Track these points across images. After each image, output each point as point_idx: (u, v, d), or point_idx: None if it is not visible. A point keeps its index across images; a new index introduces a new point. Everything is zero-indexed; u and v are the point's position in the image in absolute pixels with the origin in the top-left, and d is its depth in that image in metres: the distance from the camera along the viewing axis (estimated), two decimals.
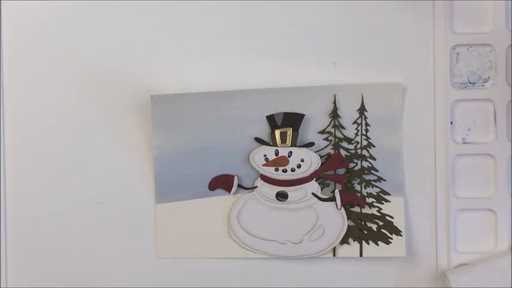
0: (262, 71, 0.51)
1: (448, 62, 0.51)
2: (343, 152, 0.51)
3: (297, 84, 0.51)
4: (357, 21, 0.51)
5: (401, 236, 0.50)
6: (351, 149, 0.51)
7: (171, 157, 0.51)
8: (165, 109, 0.50)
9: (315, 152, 0.50)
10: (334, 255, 0.51)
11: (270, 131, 0.50)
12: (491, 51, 0.51)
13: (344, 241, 0.51)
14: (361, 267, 0.52)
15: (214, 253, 0.51)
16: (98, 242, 0.52)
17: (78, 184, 0.52)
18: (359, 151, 0.51)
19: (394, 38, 0.51)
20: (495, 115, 0.51)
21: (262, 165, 0.50)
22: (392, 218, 0.50)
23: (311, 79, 0.51)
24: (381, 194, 0.51)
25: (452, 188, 0.51)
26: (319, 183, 0.51)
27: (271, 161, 0.50)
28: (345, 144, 0.51)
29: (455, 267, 0.51)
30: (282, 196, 0.51)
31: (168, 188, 0.51)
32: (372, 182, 0.51)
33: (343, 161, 0.50)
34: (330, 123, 0.51)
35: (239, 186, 0.51)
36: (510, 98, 0.51)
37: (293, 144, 0.50)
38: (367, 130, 0.51)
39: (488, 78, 0.51)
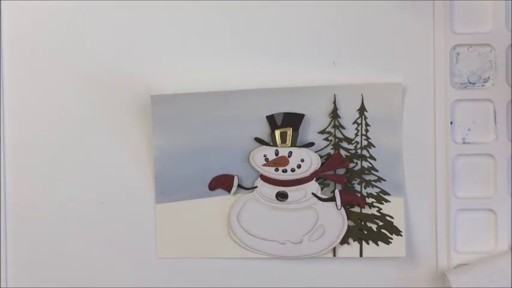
0: (262, 71, 0.51)
1: (448, 62, 0.51)
2: (343, 152, 0.51)
3: (297, 84, 0.51)
4: (357, 21, 0.51)
5: (401, 236, 0.50)
6: (351, 149, 0.51)
7: (171, 157, 0.51)
8: (165, 109, 0.50)
9: (315, 152, 0.50)
10: (334, 255, 0.51)
11: (270, 131, 0.50)
12: (491, 51, 0.51)
13: (344, 241, 0.51)
14: (361, 267, 0.52)
15: (214, 253, 0.51)
16: (98, 242, 0.52)
17: (78, 184, 0.52)
18: (359, 151, 0.51)
19: (394, 38, 0.51)
20: (495, 115, 0.51)
21: (262, 165, 0.50)
22: (392, 218, 0.50)
23: (311, 79, 0.51)
24: (381, 194, 0.51)
25: (452, 188, 0.51)
26: (319, 183, 0.51)
27: (271, 161, 0.50)
28: (345, 144, 0.51)
29: (455, 267, 0.51)
30: (282, 196, 0.51)
31: (168, 188, 0.51)
32: (372, 182, 0.51)
33: (343, 161, 0.50)
34: (330, 123, 0.51)
35: (239, 186, 0.51)
36: (510, 98, 0.51)
37: (293, 144, 0.50)
38: (367, 130, 0.51)
39: (488, 78, 0.51)
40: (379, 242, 0.51)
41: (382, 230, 0.51)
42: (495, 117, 0.51)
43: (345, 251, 0.51)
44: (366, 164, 0.51)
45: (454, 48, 0.51)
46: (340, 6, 0.51)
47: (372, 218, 0.51)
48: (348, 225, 0.51)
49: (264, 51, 0.51)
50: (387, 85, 0.50)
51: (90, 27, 0.52)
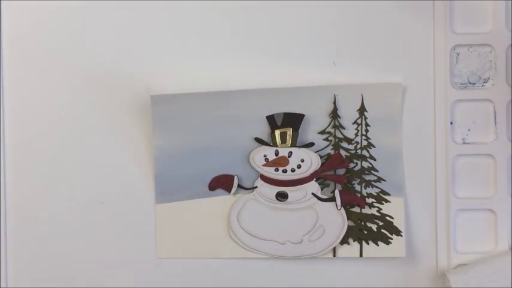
0: (262, 71, 0.51)
1: (448, 62, 0.51)
2: (343, 152, 0.51)
3: (297, 84, 0.51)
4: (357, 21, 0.51)
5: (401, 236, 0.50)
6: (351, 149, 0.51)
7: (171, 157, 0.51)
8: (165, 109, 0.50)
9: (315, 152, 0.50)
10: (334, 256, 0.51)
11: (270, 131, 0.50)
12: (491, 51, 0.51)
13: (344, 241, 0.51)
14: (361, 267, 0.52)
15: (214, 253, 0.51)
16: (98, 242, 0.52)
17: (78, 184, 0.52)
18: (359, 151, 0.51)
19: (394, 38, 0.51)
20: (495, 115, 0.51)
21: (262, 165, 0.50)
22: (392, 218, 0.50)
23: (311, 79, 0.51)
24: (380, 194, 0.51)
25: (452, 188, 0.51)
26: (319, 184, 0.51)
27: (271, 161, 0.50)
28: (345, 144, 0.51)
29: (455, 267, 0.51)
30: (282, 196, 0.51)
31: (168, 188, 0.51)
32: (372, 182, 0.51)
33: (343, 161, 0.50)
34: (330, 124, 0.51)
35: (239, 186, 0.51)
36: (510, 98, 0.51)
37: (293, 145, 0.50)
38: (367, 130, 0.51)
39: (488, 78, 0.51)
40: (379, 242, 0.51)
41: (382, 230, 0.51)
42: (495, 117, 0.51)
43: (345, 251, 0.51)
44: (366, 164, 0.51)
45: (454, 48, 0.51)
46: (340, 6, 0.51)
47: (372, 218, 0.51)
48: (348, 225, 0.51)
49: (264, 51, 0.51)
50: (387, 85, 0.50)
51: (90, 27, 0.52)
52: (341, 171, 0.51)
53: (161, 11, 0.52)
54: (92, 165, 0.52)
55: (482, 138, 0.51)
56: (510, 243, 0.51)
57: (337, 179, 0.50)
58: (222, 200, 0.51)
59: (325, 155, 0.51)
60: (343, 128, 0.51)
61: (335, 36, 0.51)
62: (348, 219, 0.50)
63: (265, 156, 0.50)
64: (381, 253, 0.51)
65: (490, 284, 0.49)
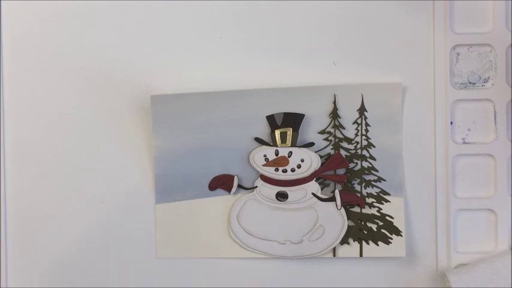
0: (262, 71, 0.51)
1: (448, 62, 0.51)
2: (343, 152, 0.51)
3: (297, 84, 0.51)
4: (357, 21, 0.51)
5: (401, 236, 0.50)
6: (351, 149, 0.51)
7: (171, 157, 0.51)
8: (165, 109, 0.50)
9: (315, 152, 0.50)
10: (334, 255, 0.51)
11: (270, 131, 0.50)
12: (491, 51, 0.51)
13: (344, 241, 0.51)
14: (361, 267, 0.52)
15: (214, 253, 0.51)
16: (98, 242, 0.52)
17: (78, 184, 0.52)
18: (359, 151, 0.51)
19: (394, 38, 0.51)
20: (495, 115, 0.51)
21: (262, 165, 0.50)
22: (392, 218, 0.50)
23: (311, 79, 0.51)
24: (380, 194, 0.51)
25: (452, 188, 0.51)
26: (319, 183, 0.51)
27: (271, 161, 0.50)
28: (345, 144, 0.51)
29: (455, 267, 0.51)
30: (282, 196, 0.51)
31: (168, 188, 0.51)
32: (372, 182, 0.51)
33: (343, 161, 0.50)
34: (330, 123, 0.51)
35: (239, 186, 0.51)
36: (510, 98, 0.51)
37: (293, 144, 0.50)
38: (367, 130, 0.51)
39: (488, 78, 0.51)
40: (379, 242, 0.51)
41: (382, 230, 0.51)
42: (495, 117, 0.51)
43: (345, 251, 0.51)
44: (366, 164, 0.51)
45: (454, 48, 0.51)
46: (340, 7, 0.51)
47: (372, 218, 0.51)
48: (348, 225, 0.51)
49: (264, 51, 0.51)
50: (387, 85, 0.50)
51: (91, 28, 0.52)
52: (341, 171, 0.51)
53: (161, 11, 0.52)
54: (91, 165, 0.52)
55: (482, 138, 0.51)
56: (510, 243, 0.51)
57: (337, 179, 0.50)
58: (222, 200, 0.51)
59: (325, 155, 0.51)
60: (343, 128, 0.51)
61: (335, 36, 0.51)
62: (348, 219, 0.50)
63: (265, 156, 0.50)
64: (381, 253, 0.51)
65: (490, 284, 0.49)
